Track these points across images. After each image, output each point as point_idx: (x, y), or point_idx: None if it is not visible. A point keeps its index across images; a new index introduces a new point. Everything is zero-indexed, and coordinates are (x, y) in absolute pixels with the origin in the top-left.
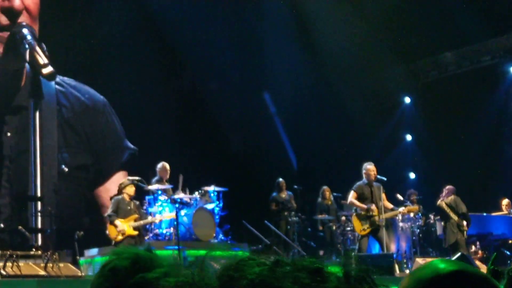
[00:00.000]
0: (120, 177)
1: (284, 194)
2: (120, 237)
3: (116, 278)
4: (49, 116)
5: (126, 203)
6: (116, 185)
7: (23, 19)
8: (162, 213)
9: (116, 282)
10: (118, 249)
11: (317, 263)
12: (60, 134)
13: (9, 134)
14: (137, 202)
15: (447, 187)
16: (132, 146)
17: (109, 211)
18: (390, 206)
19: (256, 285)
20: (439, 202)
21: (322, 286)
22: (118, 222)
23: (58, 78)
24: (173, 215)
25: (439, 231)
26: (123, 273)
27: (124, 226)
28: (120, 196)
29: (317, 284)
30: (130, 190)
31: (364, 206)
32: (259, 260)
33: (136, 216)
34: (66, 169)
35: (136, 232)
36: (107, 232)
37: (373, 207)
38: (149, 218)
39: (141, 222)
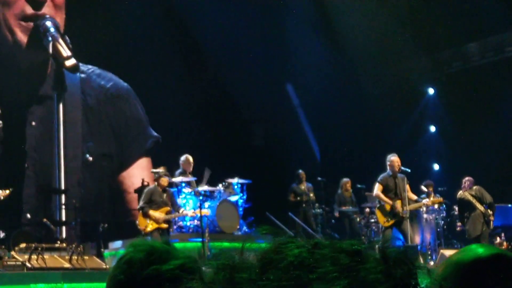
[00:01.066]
0: (143, 163)
1: (304, 186)
2: (149, 228)
3: (131, 270)
4: (73, 106)
5: (159, 194)
6: (139, 171)
7: (48, 9)
8: (185, 206)
9: (131, 274)
10: (135, 241)
11: (356, 244)
12: (85, 123)
13: (33, 123)
14: (171, 191)
15: (467, 178)
16: (155, 133)
17: (141, 202)
18: (414, 197)
19: (296, 266)
20: (461, 193)
21: (362, 266)
22: (152, 213)
23: (82, 66)
24: (206, 211)
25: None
26: (138, 265)
27: (156, 217)
28: (153, 186)
29: (356, 265)
30: (164, 181)
31: (390, 201)
32: (299, 242)
33: (168, 208)
34: (91, 158)
35: (166, 226)
36: (137, 222)
37: (398, 204)
38: (181, 211)
39: (172, 215)
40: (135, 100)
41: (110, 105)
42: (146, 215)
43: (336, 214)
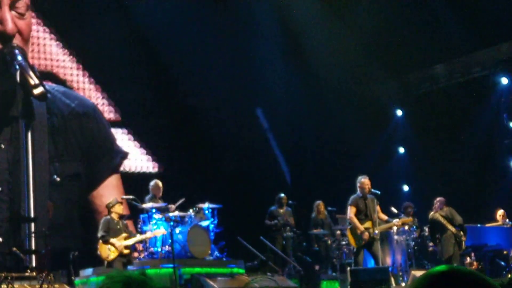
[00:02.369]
0: (113, 181)
1: (283, 210)
2: (112, 257)
3: None
4: (40, 129)
5: (115, 223)
6: (109, 189)
7: (15, 41)
8: (154, 231)
9: None
10: (112, 273)
11: None
12: (51, 144)
13: (3, 146)
14: (125, 222)
15: (438, 199)
16: (123, 149)
17: (100, 232)
18: (385, 218)
19: None
20: (432, 214)
21: None
22: (113, 240)
23: (47, 86)
24: (163, 231)
25: (432, 243)
26: None
27: (120, 243)
28: (108, 216)
29: None
30: (118, 209)
31: (361, 228)
32: None
33: (126, 234)
34: (58, 179)
35: (127, 251)
36: (98, 252)
37: (366, 234)
38: (138, 236)
39: (132, 240)
40: (100, 117)
41: (76, 124)
42: (107, 243)
43: (315, 244)
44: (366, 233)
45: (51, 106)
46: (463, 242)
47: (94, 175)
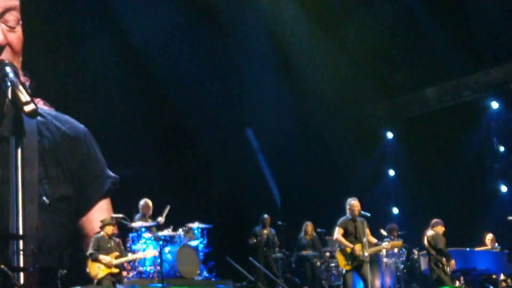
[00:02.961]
0: (103, 206)
1: (267, 230)
2: (101, 274)
3: None
4: (30, 148)
5: (106, 241)
6: (99, 214)
7: (6, 55)
8: (145, 251)
9: None
10: None
11: None
12: (41, 166)
13: None
14: (117, 240)
15: (433, 220)
16: (113, 174)
17: (90, 249)
18: (374, 241)
19: None
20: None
21: None
22: (102, 256)
23: (39, 109)
24: (155, 252)
25: (423, 266)
26: None
27: (110, 260)
28: (100, 234)
29: None
30: (108, 229)
31: (350, 245)
32: None
33: (117, 253)
34: (47, 201)
35: (117, 270)
36: (88, 270)
37: (357, 248)
38: (130, 255)
39: (123, 259)
40: (92, 141)
41: (67, 147)
42: (96, 260)
43: (293, 259)
44: (357, 248)
45: (42, 128)
46: (445, 267)
47: (84, 199)
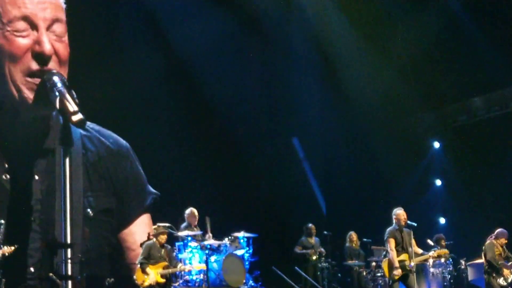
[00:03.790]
0: (144, 220)
1: (312, 240)
2: (147, 283)
3: None
4: (75, 161)
5: (157, 249)
6: (141, 227)
7: (52, 64)
8: (192, 260)
9: None
10: None
11: None
12: (85, 178)
13: (37, 177)
14: (169, 247)
15: (497, 230)
16: (154, 190)
17: (140, 257)
18: (420, 251)
19: None
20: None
21: None
22: (149, 270)
23: None
24: (203, 266)
25: (470, 276)
26: None
27: (153, 276)
28: (151, 242)
29: None
30: (163, 238)
31: (397, 264)
32: None
33: (165, 263)
34: (91, 213)
35: (163, 280)
36: (135, 277)
37: (398, 271)
38: (179, 266)
39: (169, 270)
40: (134, 158)
41: (110, 161)
42: (144, 271)
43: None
44: (399, 270)
45: (86, 142)
46: (497, 279)
47: (126, 213)
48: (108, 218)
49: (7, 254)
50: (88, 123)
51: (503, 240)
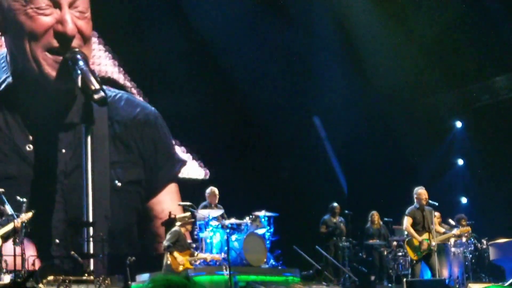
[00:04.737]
0: (172, 188)
1: (336, 219)
2: (180, 268)
3: None
4: (101, 134)
5: (184, 238)
6: (169, 196)
7: (76, 42)
8: (212, 238)
9: None
10: (155, 277)
11: None
12: (113, 149)
13: (64, 151)
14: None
15: None
16: (182, 158)
17: (167, 241)
18: (442, 230)
19: None
20: None
21: None
22: (177, 254)
23: (110, 91)
24: (218, 257)
25: (491, 256)
26: None
27: (183, 259)
28: (179, 229)
29: None
30: (189, 228)
31: (419, 238)
32: None
33: (190, 251)
34: (119, 184)
35: (192, 267)
36: (169, 262)
37: (424, 243)
38: (202, 255)
39: (196, 257)
40: (162, 125)
41: (137, 131)
42: (171, 254)
43: (364, 254)
44: (425, 243)
45: (113, 113)
46: None
47: (154, 183)
48: (137, 188)
49: (25, 221)
50: (117, 91)
51: None
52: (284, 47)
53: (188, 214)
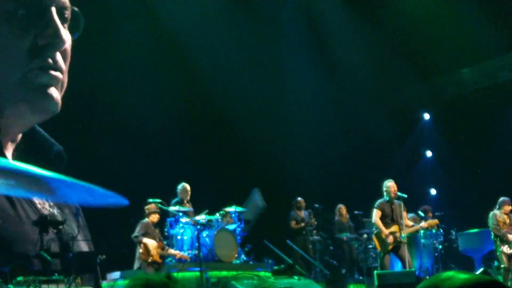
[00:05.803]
0: None
1: (302, 213)
2: (150, 260)
3: None
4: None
5: (153, 229)
6: None
7: None
8: (183, 235)
9: None
10: (136, 275)
11: None
12: None
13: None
14: (158, 228)
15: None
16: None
17: (136, 232)
18: (410, 224)
19: None
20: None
21: None
22: (146, 240)
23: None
24: (186, 256)
25: (461, 246)
26: None
27: (153, 250)
28: (145, 220)
29: None
30: (155, 217)
31: (386, 231)
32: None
33: (162, 244)
34: None
35: (161, 260)
36: (141, 251)
37: (390, 239)
38: (172, 251)
39: (167, 252)
40: None
41: None
42: (140, 243)
43: (344, 238)
44: (391, 237)
45: None
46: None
47: None
48: None
49: None
50: None
51: (507, 208)
52: (254, 44)
53: (153, 204)
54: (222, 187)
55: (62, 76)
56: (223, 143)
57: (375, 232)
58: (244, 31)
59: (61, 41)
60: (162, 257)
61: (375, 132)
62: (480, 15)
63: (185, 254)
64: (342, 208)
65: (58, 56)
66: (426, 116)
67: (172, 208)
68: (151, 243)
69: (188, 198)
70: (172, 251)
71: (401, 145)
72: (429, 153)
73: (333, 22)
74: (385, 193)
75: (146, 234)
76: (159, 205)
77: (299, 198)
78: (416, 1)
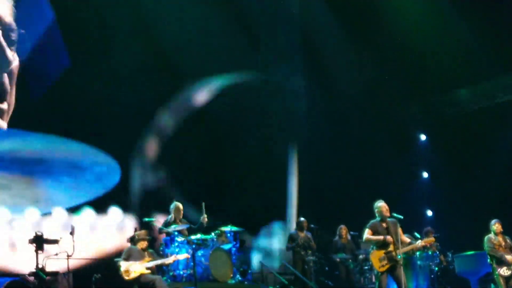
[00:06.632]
0: None
1: (303, 234)
2: (132, 275)
3: None
4: None
5: (138, 253)
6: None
7: None
8: (179, 254)
9: None
10: None
11: None
12: None
13: None
14: (151, 251)
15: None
16: None
17: (120, 257)
18: (408, 240)
19: None
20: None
21: None
22: (122, 262)
23: None
24: (186, 255)
25: (457, 268)
26: None
27: (139, 267)
28: (133, 246)
29: None
30: (143, 244)
31: (380, 237)
32: None
33: (150, 258)
34: None
35: (148, 271)
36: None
37: (389, 237)
38: (161, 259)
39: (154, 262)
40: None
41: None
42: (118, 268)
43: (337, 259)
44: (389, 237)
45: None
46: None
47: None
48: None
49: None
50: None
51: (498, 226)
52: (247, 59)
53: (142, 232)
54: (217, 207)
55: (7, 105)
56: (218, 161)
57: (372, 251)
58: (236, 46)
59: (7, 63)
60: (152, 269)
61: (371, 152)
62: (477, 35)
63: (182, 254)
64: (342, 228)
65: (5, 77)
66: (423, 136)
67: (168, 228)
68: (128, 263)
69: (181, 216)
70: (162, 259)
71: (397, 165)
72: (425, 174)
73: (327, 41)
74: (377, 214)
75: (128, 258)
76: (152, 223)
77: (302, 219)
78: (413, 20)
